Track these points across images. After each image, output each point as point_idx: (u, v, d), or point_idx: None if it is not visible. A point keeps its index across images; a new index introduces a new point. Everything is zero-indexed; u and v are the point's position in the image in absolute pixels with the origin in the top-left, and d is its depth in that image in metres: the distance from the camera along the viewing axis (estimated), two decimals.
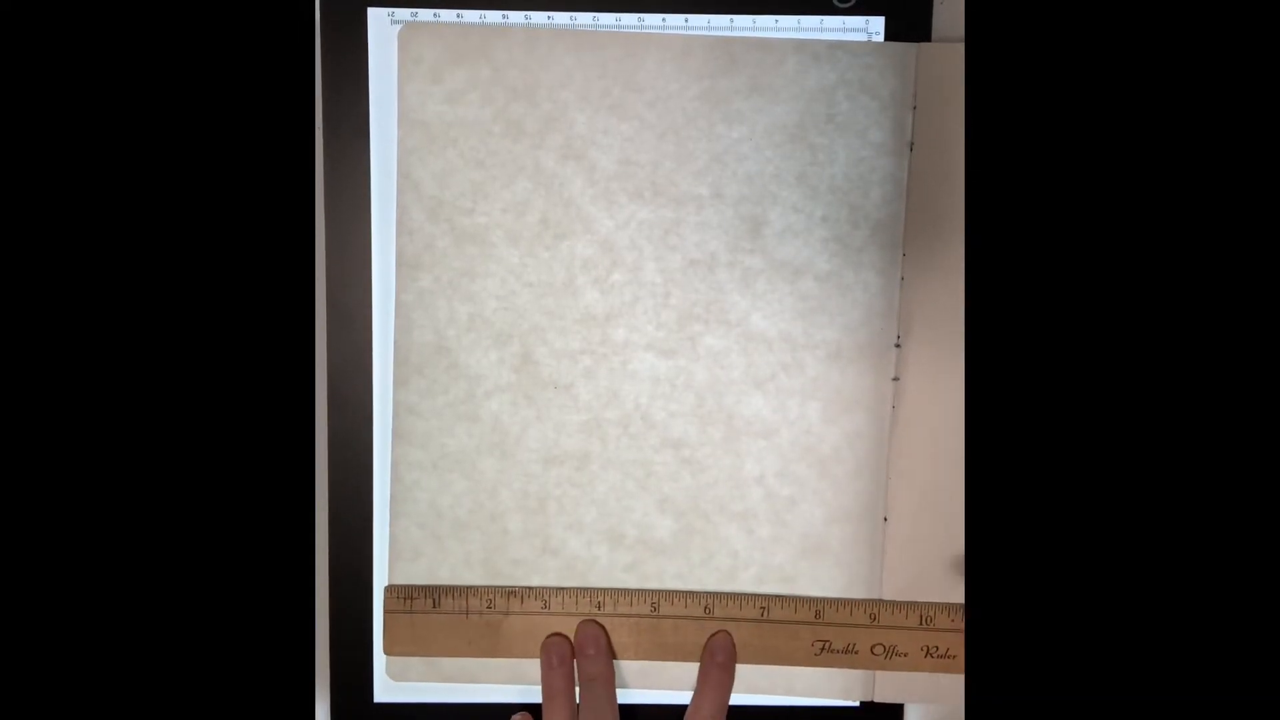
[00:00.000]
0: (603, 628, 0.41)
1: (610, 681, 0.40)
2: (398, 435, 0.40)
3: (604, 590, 0.41)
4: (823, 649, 0.41)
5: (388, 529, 0.41)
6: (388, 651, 0.41)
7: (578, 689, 0.40)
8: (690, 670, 0.41)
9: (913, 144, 0.40)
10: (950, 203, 0.39)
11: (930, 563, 0.41)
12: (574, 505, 0.41)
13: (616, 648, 0.41)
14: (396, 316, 0.40)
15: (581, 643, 0.40)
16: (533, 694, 0.41)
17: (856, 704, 0.42)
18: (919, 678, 0.41)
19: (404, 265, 0.40)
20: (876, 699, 0.41)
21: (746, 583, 0.41)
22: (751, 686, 0.41)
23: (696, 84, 0.40)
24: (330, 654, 0.41)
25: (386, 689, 0.41)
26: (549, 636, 0.41)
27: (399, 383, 0.40)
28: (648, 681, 0.41)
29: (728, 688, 0.40)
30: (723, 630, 0.41)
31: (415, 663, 0.41)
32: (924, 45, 0.39)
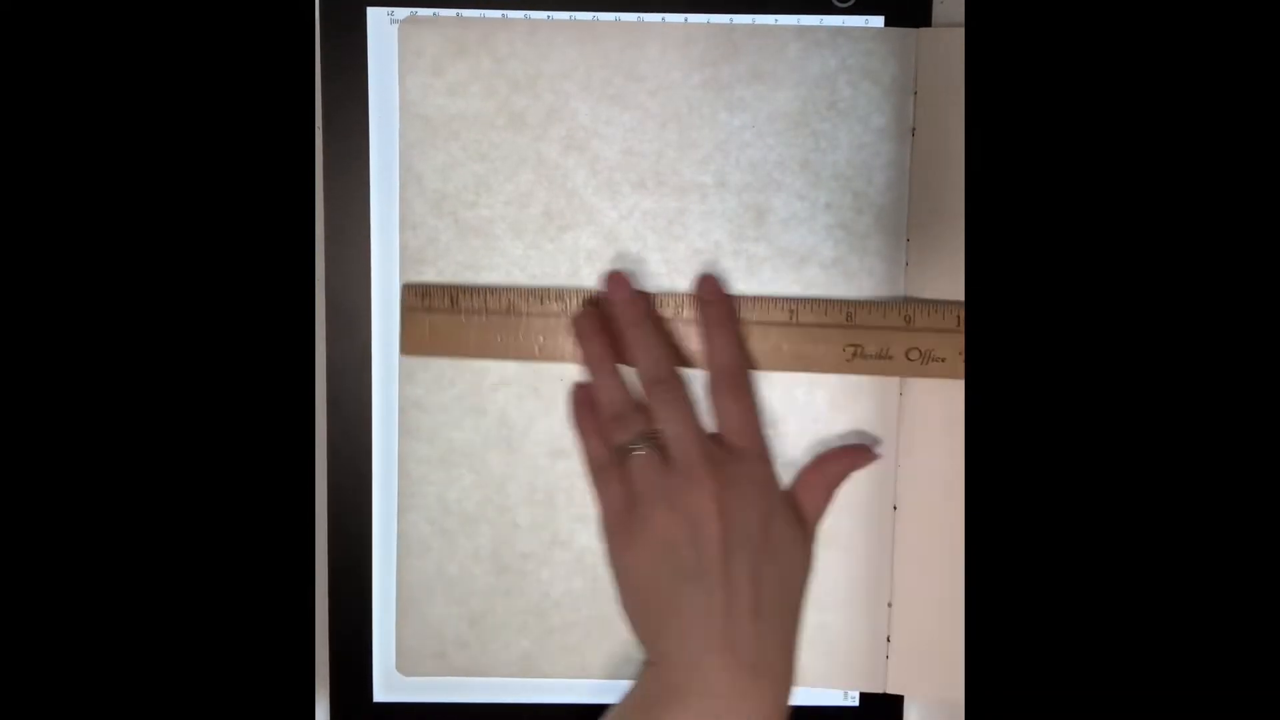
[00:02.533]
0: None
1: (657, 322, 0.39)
2: (404, 430, 0.41)
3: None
4: (855, 354, 0.39)
5: (388, 528, 0.41)
6: (405, 351, 0.40)
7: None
8: None
9: (915, 129, 0.39)
10: (953, 187, 0.39)
11: (940, 551, 0.40)
12: (582, 497, 0.41)
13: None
14: None
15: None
16: (536, 693, 0.41)
17: (855, 703, 0.42)
18: (930, 670, 0.40)
19: (408, 259, 0.40)
20: (890, 689, 0.41)
21: None
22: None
23: (698, 72, 0.39)
24: (330, 654, 0.41)
25: (387, 689, 0.42)
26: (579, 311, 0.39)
27: (405, 377, 0.40)
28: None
29: (730, 326, 0.39)
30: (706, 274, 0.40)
31: (425, 656, 0.41)
32: (924, 30, 0.39)
